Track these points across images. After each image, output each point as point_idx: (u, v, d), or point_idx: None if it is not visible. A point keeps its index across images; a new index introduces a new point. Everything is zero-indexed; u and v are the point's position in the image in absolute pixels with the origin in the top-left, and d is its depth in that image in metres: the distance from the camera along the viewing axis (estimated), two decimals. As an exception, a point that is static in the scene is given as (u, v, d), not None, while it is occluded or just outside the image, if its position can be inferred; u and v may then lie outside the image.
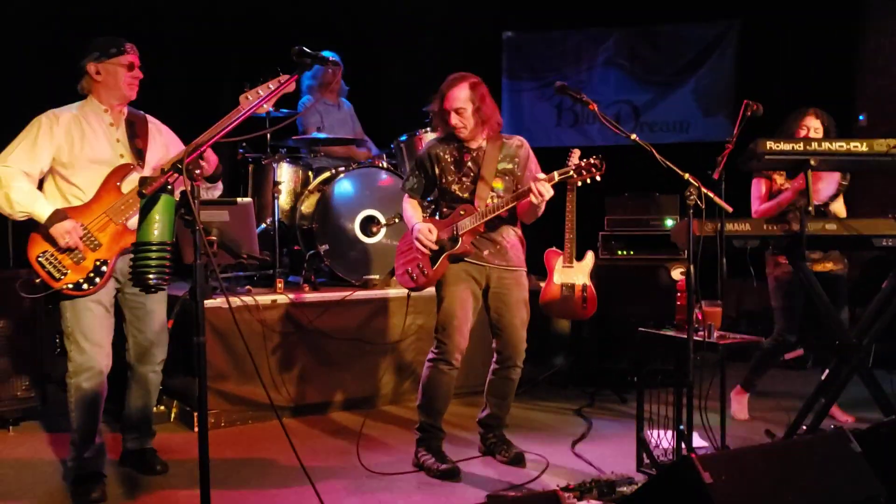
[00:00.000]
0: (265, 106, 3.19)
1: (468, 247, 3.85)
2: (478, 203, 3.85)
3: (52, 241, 3.38)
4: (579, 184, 3.70)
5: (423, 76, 7.00)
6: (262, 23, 6.39)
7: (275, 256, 5.17)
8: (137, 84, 3.60)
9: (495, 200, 3.84)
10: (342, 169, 5.43)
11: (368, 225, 5.36)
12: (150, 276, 2.42)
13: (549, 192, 3.61)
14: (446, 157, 3.92)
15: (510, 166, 3.94)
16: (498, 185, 3.92)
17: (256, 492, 3.54)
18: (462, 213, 3.88)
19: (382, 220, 5.36)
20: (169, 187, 2.38)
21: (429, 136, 5.58)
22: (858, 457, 2.68)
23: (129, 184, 3.46)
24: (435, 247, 3.84)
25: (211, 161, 3.47)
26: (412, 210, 4.03)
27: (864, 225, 3.78)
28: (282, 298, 4.82)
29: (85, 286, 3.42)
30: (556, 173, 3.67)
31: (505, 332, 3.93)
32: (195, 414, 4.47)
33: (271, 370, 4.71)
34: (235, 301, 4.62)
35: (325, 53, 2.95)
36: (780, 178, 4.59)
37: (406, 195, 4.07)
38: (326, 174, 5.49)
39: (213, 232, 2.53)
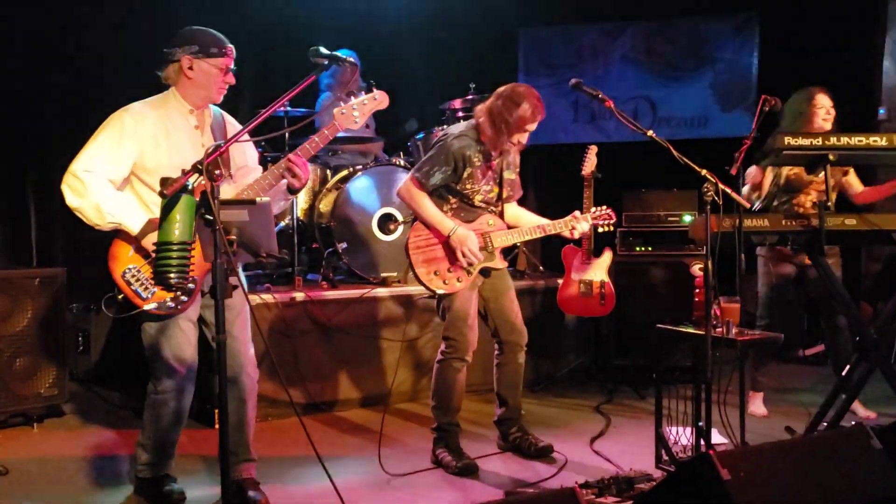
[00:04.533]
0: (357, 122, 3.25)
1: (502, 262, 3.94)
2: (505, 217, 3.98)
3: (141, 254, 3.12)
4: (600, 230, 4.20)
5: (440, 73, 7.04)
6: (279, 21, 6.42)
7: (294, 254, 5.21)
8: (226, 90, 3.32)
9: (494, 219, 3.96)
10: (360, 167, 5.45)
11: (386, 223, 5.37)
12: (172, 274, 2.44)
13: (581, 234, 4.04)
14: (475, 161, 3.82)
15: (513, 176, 4.06)
16: (503, 195, 4.01)
17: (276, 488, 3.56)
18: (490, 223, 3.89)
19: (400, 217, 5.38)
20: (190, 187, 2.40)
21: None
22: (879, 453, 2.66)
23: (221, 195, 3.02)
24: (482, 258, 3.83)
25: (302, 179, 3.20)
26: (433, 205, 3.81)
27: (884, 219, 3.75)
28: (300, 296, 4.85)
29: (171, 304, 3.13)
30: (590, 217, 4.05)
31: (506, 316, 4.00)
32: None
33: (290, 367, 4.74)
34: (255, 299, 4.65)
35: (342, 52, 2.97)
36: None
37: (420, 188, 3.80)
38: (344, 172, 5.52)
39: (233, 231, 2.53)
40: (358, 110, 3.25)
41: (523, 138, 3.80)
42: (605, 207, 4.16)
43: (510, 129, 3.71)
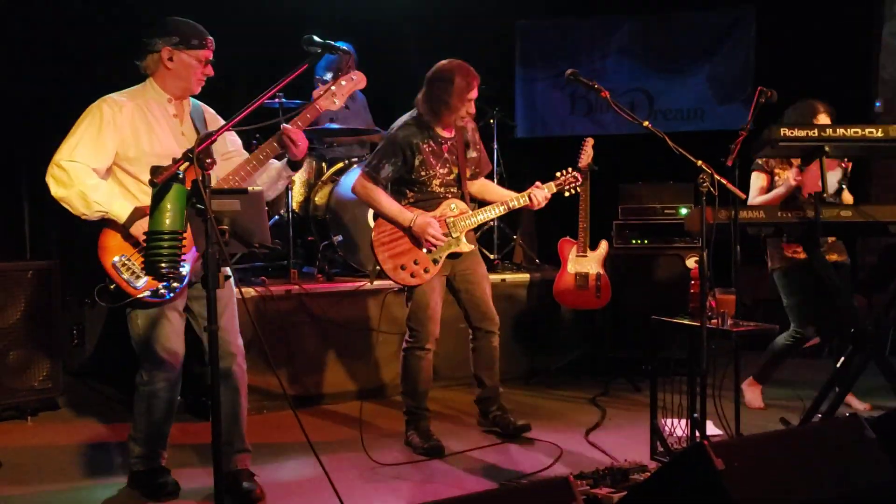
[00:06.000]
0: (336, 102, 3.27)
1: (469, 245, 3.95)
2: (467, 199, 3.98)
3: (131, 242, 3.11)
4: (566, 194, 4.19)
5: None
6: (276, 13, 6.39)
7: (289, 247, 5.19)
8: (205, 81, 3.31)
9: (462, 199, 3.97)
10: (355, 160, 5.44)
11: (382, 215, 5.35)
12: (163, 264, 2.42)
13: (545, 201, 4.03)
14: (425, 147, 3.87)
15: (475, 154, 4.09)
16: (467, 174, 4.01)
17: (271, 481, 3.55)
18: (453, 208, 3.91)
19: (396, 210, 5.35)
20: (181, 176, 2.38)
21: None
22: (873, 443, 2.66)
23: None
24: (444, 242, 3.86)
25: (301, 146, 3.20)
26: (389, 198, 3.88)
27: (880, 211, 3.74)
28: (296, 289, 4.84)
29: (164, 291, 3.12)
30: (553, 184, 4.08)
31: (479, 305, 4.06)
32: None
33: (285, 360, 4.73)
34: (249, 291, 4.64)
35: (338, 43, 2.96)
36: (783, 174, 4.51)
37: (372, 182, 3.87)
38: (339, 165, 5.50)
39: (225, 221, 2.52)
40: (336, 89, 3.26)
41: (471, 108, 3.84)
42: (569, 170, 4.15)
43: (453, 106, 3.78)
